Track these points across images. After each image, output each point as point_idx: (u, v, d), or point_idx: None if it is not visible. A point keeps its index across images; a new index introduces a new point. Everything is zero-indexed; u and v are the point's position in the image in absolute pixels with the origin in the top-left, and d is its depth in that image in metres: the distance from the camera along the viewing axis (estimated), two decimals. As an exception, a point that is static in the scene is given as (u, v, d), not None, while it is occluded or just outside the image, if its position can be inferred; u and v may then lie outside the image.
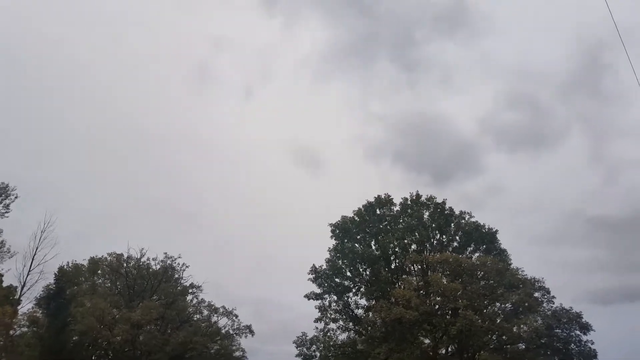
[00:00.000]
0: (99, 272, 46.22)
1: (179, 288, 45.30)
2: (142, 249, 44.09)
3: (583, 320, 28.33)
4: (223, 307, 42.53)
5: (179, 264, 44.65)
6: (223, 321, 42.52)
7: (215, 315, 42.65)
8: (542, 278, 30.76)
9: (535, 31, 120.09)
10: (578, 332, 28.48)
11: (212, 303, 42.90)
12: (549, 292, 30.22)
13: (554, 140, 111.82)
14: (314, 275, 37.60)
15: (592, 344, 28.30)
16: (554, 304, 29.89)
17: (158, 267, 44.62)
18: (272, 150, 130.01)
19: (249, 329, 41.83)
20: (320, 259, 37.78)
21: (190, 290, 45.63)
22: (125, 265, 44.26)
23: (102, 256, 45.09)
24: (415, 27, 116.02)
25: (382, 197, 36.47)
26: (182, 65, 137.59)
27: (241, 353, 42.80)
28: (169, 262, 44.51)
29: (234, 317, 42.36)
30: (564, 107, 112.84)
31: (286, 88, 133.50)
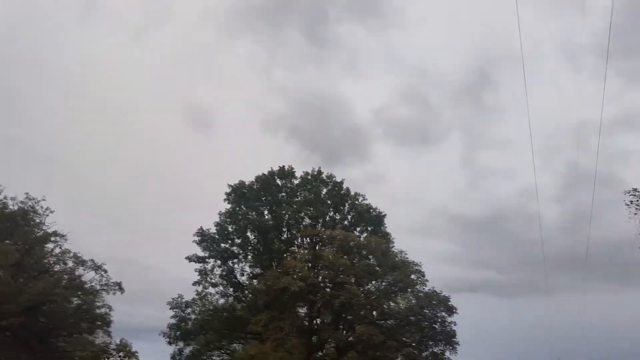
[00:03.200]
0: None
1: (39, 234, 40.63)
2: (-1, 185, 38.54)
3: (450, 303, 31.78)
4: (92, 260, 39.17)
5: (42, 207, 40.02)
6: (90, 275, 39.17)
7: (81, 268, 39.07)
8: (420, 262, 33.80)
9: (440, 35, 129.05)
10: (444, 314, 31.85)
11: (79, 255, 39.24)
12: (423, 275, 33.29)
13: (435, 141, 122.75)
14: (199, 238, 36.63)
15: (455, 325, 31.93)
16: (426, 286, 33.00)
17: (16, 208, 39.51)
18: (159, 101, 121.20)
19: (119, 286, 39.10)
20: (204, 223, 36.90)
21: (52, 239, 41.17)
22: (-25, 201, 38.30)
23: (-58, 190, 38.47)
24: (330, 3, 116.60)
25: (286, 168, 36.71)
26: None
27: (107, 310, 39.98)
28: (30, 204, 39.67)
29: (102, 272, 39.24)
30: (449, 112, 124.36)
31: (185, 36, 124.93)
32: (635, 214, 26.16)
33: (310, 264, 33.01)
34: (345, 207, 37.05)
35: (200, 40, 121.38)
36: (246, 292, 36.62)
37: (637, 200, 26.37)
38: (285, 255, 35.04)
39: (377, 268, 32.30)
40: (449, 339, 31.91)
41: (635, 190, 26.48)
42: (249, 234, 36.13)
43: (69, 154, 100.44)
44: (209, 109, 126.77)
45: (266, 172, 36.48)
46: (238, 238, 36.22)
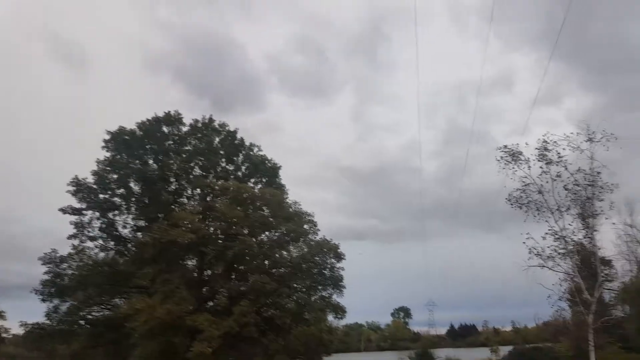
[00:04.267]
0: None
1: None
2: None
3: (339, 250, 33.31)
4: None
5: None
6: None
7: None
8: (313, 212, 34.61)
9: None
10: (333, 260, 33.37)
11: None
12: (315, 225, 34.22)
13: (329, 93, 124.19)
14: (75, 188, 33.29)
15: (343, 270, 33.74)
16: (317, 235, 34.06)
17: None
18: (25, 33, 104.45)
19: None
20: (80, 172, 33.60)
21: None
22: None
23: None
24: None
25: (172, 114, 34.04)
26: None
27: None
28: None
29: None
30: (344, 65, 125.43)
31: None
32: (504, 168, 29.18)
33: (201, 216, 32.00)
34: (240, 158, 36.02)
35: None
36: (129, 245, 34.60)
37: (506, 156, 29.35)
38: (173, 207, 33.54)
39: (271, 219, 32.39)
40: (336, 283, 33.72)
41: (505, 147, 29.36)
42: (132, 184, 33.63)
43: None
44: (82, 43, 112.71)
45: (150, 118, 33.64)
46: (119, 188, 33.54)
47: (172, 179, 33.72)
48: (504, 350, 55.24)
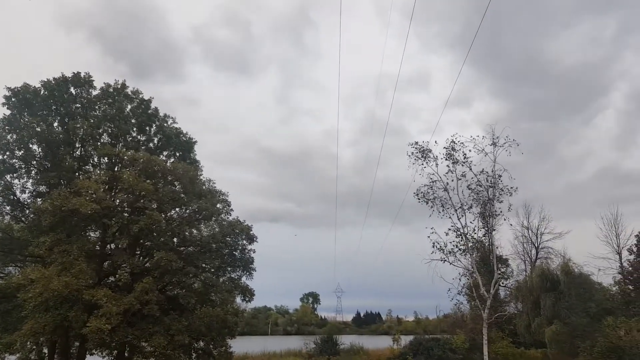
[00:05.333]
0: None
1: None
2: None
3: (251, 232, 33.00)
4: None
5: None
6: None
7: None
8: (227, 192, 34.04)
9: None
10: (245, 242, 33.03)
11: None
12: (229, 205, 33.67)
13: (253, 72, 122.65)
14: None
15: (254, 252, 33.50)
16: (231, 215, 33.54)
17: None
18: None
19: None
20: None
21: None
22: None
23: None
24: None
25: (82, 75, 31.79)
26: None
27: None
28: None
29: None
30: (271, 45, 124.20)
31: None
32: (414, 164, 30.34)
33: (107, 186, 30.37)
34: (152, 129, 34.39)
35: None
36: (27, 211, 32.29)
37: (416, 152, 30.45)
38: (77, 174, 31.60)
39: (183, 195, 31.42)
40: (246, 265, 33.48)
41: (416, 143, 30.47)
42: (34, 146, 31.27)
43: None
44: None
45: (57, 77, 31.14)
46: (19, 150, 31.05)
47: (77, 144, 31.63)
48: (405, 339, 57.58)
